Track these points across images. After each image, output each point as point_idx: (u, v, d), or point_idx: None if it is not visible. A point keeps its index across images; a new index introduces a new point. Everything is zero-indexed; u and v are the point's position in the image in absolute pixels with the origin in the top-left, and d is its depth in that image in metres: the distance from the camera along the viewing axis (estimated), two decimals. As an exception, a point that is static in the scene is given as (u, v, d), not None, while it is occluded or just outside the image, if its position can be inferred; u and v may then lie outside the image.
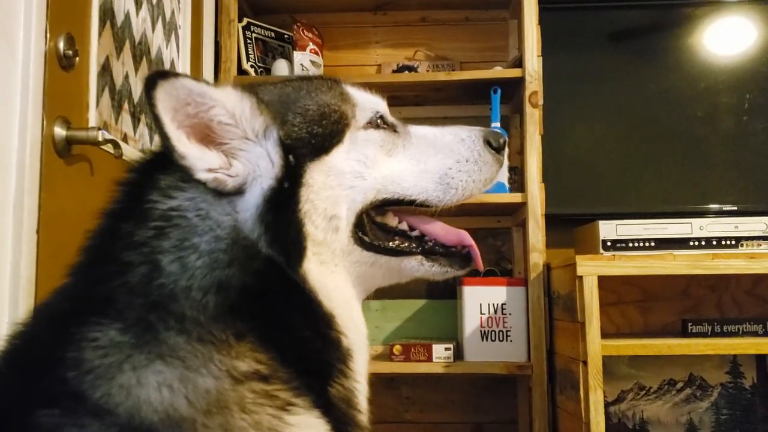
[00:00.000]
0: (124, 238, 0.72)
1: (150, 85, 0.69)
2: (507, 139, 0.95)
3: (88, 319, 0.67)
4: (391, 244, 0.88)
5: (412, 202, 0.88)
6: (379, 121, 0.88)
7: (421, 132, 0.93)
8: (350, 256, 0.83)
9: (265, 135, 0.77)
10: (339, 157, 0.82)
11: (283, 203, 0.76)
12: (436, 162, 0.90)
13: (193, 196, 0.74)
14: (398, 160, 0.88)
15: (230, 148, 0.76)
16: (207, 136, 0.75)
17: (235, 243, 0.73)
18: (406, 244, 0.90)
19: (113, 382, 0.63)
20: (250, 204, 0.75)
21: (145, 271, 0.70)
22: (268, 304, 0.73)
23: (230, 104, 0.75)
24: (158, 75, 0.70)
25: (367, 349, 0.84)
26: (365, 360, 0.83)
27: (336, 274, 0.82)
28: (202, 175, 0.73)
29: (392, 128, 0.90)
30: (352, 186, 0.82)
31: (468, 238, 0.93)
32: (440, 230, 0.92)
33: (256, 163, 0.77)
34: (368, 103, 0.89)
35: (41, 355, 0.67)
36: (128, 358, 0.65)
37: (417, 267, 0.90)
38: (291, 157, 0.78)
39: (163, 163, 0.76)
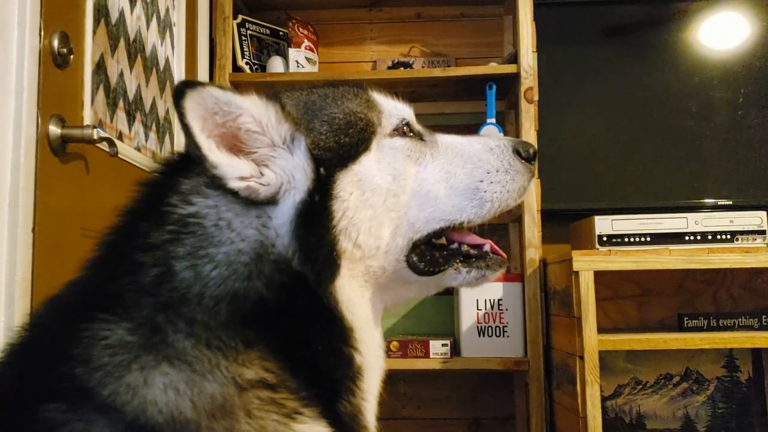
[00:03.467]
0: (139, 237, 0.72)
1: (179, 95, 0.69)
2: (536, 149, 0.92)
3: (96, 316, 0.67)
4: (440, 260, 0.85)
5: (454, 227, 0.85)
6: (405, 128, 0.86)
7: (448, 141, 0.91)
8: (390, 275, 0.82)
9: (293, 143, 0.77)
10: (368, 165, 0.80)
11: (315, 218, 0.75)
12: (465, 174, 0.87)
13: (215, 204, 0.73)
14: (427, 171, 0.85)
15: (259, 156, 0.76)
16: (235, 145, 0.75)
17: (261, 257, 0.73)
18: (445, 255, 0.87)
19: (121, 381, 0.64)
20: (284, 216, 0.74)
21: (157, 273, 0.70)
22: (284, 318, 0.73)
23: (256, 112, 0.75)
24: (186, 85, 0.70)
25: (382, 366, 0.82)
26: (378, 378, 0.81)
27: (365, 289, 0.81)
28: (234, 184, 0.73)
29: (419, 136, 0.88)
30: (394, 207, 0.80)
31: (489, 241, 0.91)
32: (468, 235, 0.89)
33: (291, 174, 0.76)
34: (394, 110, 0.87)
35: (50, 350, 0.67)
36: (136, 358, 0.65)
37: (455, 276, 0.86)
38: (321, 169, 0.76)
39: (187, 165, 0.75)
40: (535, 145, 0.97)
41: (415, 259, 0.83)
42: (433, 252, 0.85)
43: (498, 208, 0.87)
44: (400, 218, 0.81)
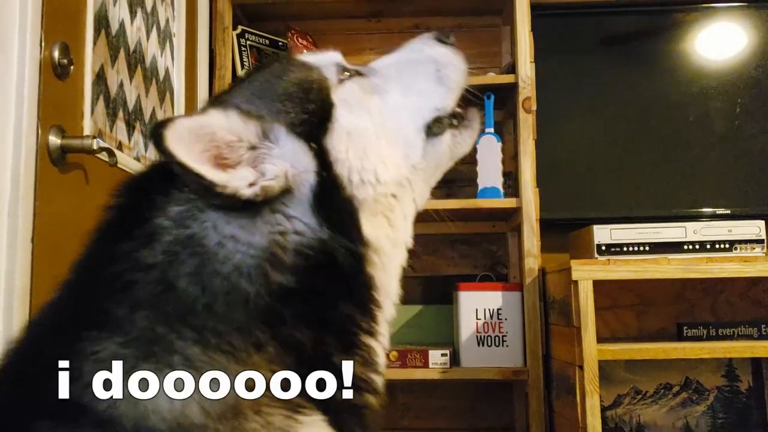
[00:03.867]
0: (124, 259, 0.71)
1: (158, 138, 0.68)
2: (450, 34, 0.98)
3: (83, 334, 0.66)
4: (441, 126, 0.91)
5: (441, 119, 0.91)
6: (345, 72, 0.89)
7: (383, 63, 0.95)
8: (416, 175, 0.87)
9: (271, 134, 0.77)
10: (343, 118, 0.82)
11: (331, 190, 0.78)
12: (423, 75, 0.92)
13: (213, 225, 0.73)
14: (392, 93, 0.90)
15: (249, 161, 0.76)
16: (223, 161, 0.75)
17: (276, 255, 0.73)
18: (442, 123, 0.92)
19: None
20: (303, 202, 0.76)
21: (154, 290, 0.69)
22: (306, 296, 0.73)
23: (224, 123, 0.75)
24: (160, 127, 0.69)
25: (397, 293, 0.87)
26: (392, 304, 0.85)
27: (392, 216, 0.84)
28: (246, 192, 0.73)
29: (359, 73, 0.91)
30: (388, 132, 0.85)
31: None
32: None
33: (290, 159, 0.77)
34: (326, 61, 0.89)
35: (39, 368, 0.66)
36: (132, 369, 0.64)
37: (452, 146, 0.92)
38: (312, 144, 0.78)
39: (164, 178, 0.75)
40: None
41: (427, 132, 0.88)
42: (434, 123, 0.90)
43: (459, 88, 0.93)
44: (400, 132, 0.86)
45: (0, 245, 1.17)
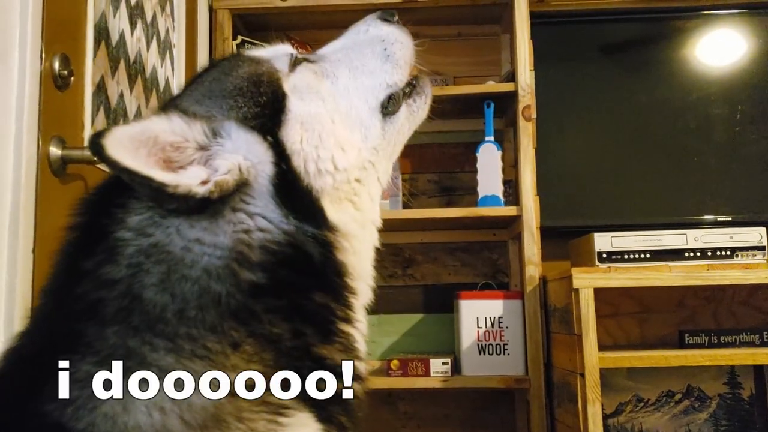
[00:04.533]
0: (89, 277, 0.70)
1: (98, 148, 0.67)
2: (394, 12, 0.99)
3: (57, 359, 0.64)
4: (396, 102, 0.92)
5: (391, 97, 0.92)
6: (295, 60, 0.88)
7: (330, 49, 0.95)
8: (378, 155, 0.88)
9: (220, 131, 0.77)
10: (295, 107, 0.82)
11: (290, 180, 0.78)
12: (371, 56, 0.92)
13: (176, 229, 0.72)
14: (340, 79, 0.90)
15: (200, 159, 0.75)
16: (171, 163, 0.74)
17: (242, 253, 0.73)
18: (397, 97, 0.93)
19: (96, 412, 0.62)
20: (262, 194, 0.76)
21: (121, 305, 0.68)
22: (278, 291, 0.73)
23: (166, 126, 0.74)
24: (98, 137, 0.67)
25: (372, 275, 0.86)
26: (368, 289, 0.85)
27: (357, 199, 0.84)
28: (200, 190, 0.72)
29: (308, 60, 0.91)
30: (347, 115, 0.86)
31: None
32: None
33: (243, 153, 0.76)
34: (277, 52, 0.89)
35: (14, 394, 0.65)
36: (108, 386, 0.63)
37: (409, 118, 0.94)
38: (269, 137, 0.78)
39: (121, 192, 0.74)
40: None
41: (383, 111, 0.89)
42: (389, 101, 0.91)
43: (407, 66, 0.94)
44: (354, 114, 0.87)
45: (1, 256, 1.17)
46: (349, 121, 0.86)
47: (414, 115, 0.95)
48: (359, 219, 0.84)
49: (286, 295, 0.74)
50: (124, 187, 0.73)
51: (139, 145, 0.70)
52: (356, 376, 0.77)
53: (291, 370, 0.70)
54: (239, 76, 0.82)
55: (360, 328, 0.80)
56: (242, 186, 0.75)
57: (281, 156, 0.78)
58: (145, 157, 0.70)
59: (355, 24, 0.99)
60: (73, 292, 0.70)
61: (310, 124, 0.82)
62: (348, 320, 0.78)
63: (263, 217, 0.75)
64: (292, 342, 0.72)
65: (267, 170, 0.77)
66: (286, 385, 0.69)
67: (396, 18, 0.97)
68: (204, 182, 0.73)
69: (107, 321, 0.67)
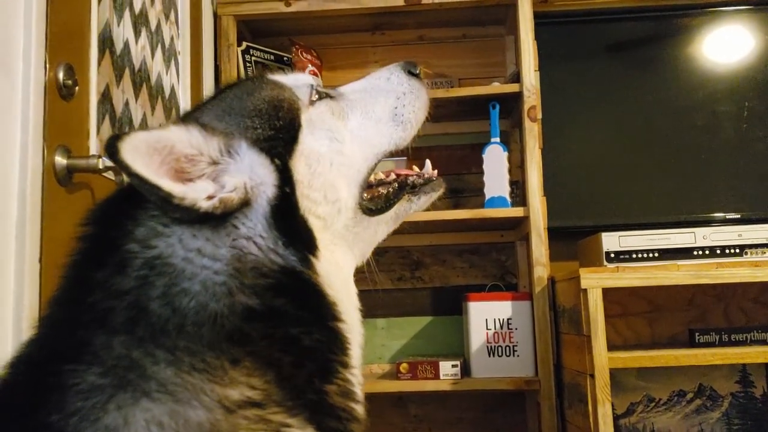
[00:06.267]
0: (100, 288, 0.71)
1: (113, 151, 0.68)
2: (417, 65, 1.01)
3: (62, 368, 0.65)
4: (389, 196, 0.93)
5: (388, 155, 0.94)
6: (316, 94, 0.90)
7: (350, 88, 0.97)
8: (354, 229, 0.88)
9: (233, 149, 0.78)
10: (306, 141, 0.84)
11: (289, 208, 0.79)
12: (382, 107, 0.94)
13: (179, 239, 0.73)
14: (352, 121, 0.92)
15: (210, 174, 0.76)
16: (182, 174, 0.75)
17: (239, 271, 0.73)
18: (391, 190, 0.95)
19: (98, 424, 0.62)
20: (260, 215, 0.77)
21: (129, 316, 0.69)
22: (272, 319, 0.73)
23: (184, 137, 0.75)
24: (115, 140, 0.68)
25: (361, 330, 0.86)
26: (359, 342, 0.84)
27: (336, 254, 0.85)
28: (204, 205, 0.73)
29: (328, 96, 0.93)
30: (340, 164, 0.86)
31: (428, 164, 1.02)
32: (405, 168, 0.99)
33: (249, 174, 0.78)
34: (300, 82, 0.91)
35: (20, 403, 0.65)
36: (111, 398, 0.63)
37: (408, 206, 0.96)
38: (277, 161, 0.79)
39: (130, 203, 0.75)
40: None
41: (366, 203, 0.90)
42: (380, 191, 0.94)
43: (416, 126, 0.96)
44: (349, 170, 0.87)
45: (8, 266, 1.18)
46: (342, 170, 0.87)
47: (409, 210, 0.97)
48: (335, 271, 0.83)
49: (281, 326, 0.74)
50: (135, 198, 0.74)
51: (154, 152, 0.72)
52: (354, 418, 0.77)
53: (293, 390, 0.71)
54: (261, 98, 0.84)
55: (357, 375, 0.80)
56: (244, 205, 0.77)
57: (287, 182, 0.80)
58: (158, 165, 0.72)
59: (381, 69, 1.01)
60: (84, 301, 0.71)
61: (313, 161, 0.84)
62: (346, 366, 0.78)
63: (260, 237, 0.76)
64: (294, 370, 0.72)
65: (268, 192, 0.78)
66: (287, 402, 0.70)
67: (418, 71, 0.99)
68: (210, 197, 0.74)
69: (115, 330, 0.68)
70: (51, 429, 0.62)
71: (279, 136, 0.82)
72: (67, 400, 0.63)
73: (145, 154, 0.71)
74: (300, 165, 0.82)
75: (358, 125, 0.92)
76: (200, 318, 0.70)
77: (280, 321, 0.74)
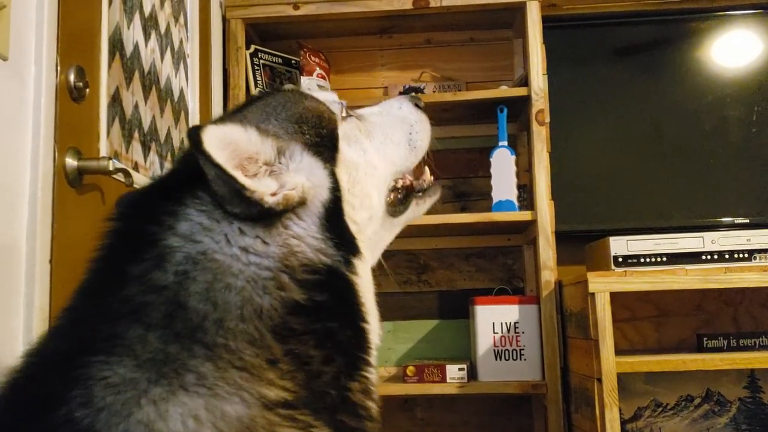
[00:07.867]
0: (135, 281, 0.70)
1: (197, 140, 0.70)
2: (421, 99, 1.10)
3: (91, 360, 0.64)
4: (402, 200, 1.02)
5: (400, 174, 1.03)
6: (346, 111, 0.96)
7: (369, 112, 1.04)
8: (380, 232, 0.96)
9: (287, 151, 0.81)
10: (346, 150, 0.90)
11: (337, 211, 0.82)
12: (399, 133, 1.03)
13: (226, 237, 0.74)
14: (375, 140, 0.99)
15: (262, 173, 0.78)
16: (244, 171, 0.76)
17: (288, 267, 0.75)
18: (401, 196, 1.02)
19: (131, 419, 0.61)
20: (313, 215, 0.80)
21: (166, 311, 0.68)
22: (315, 314, 0.75)
23: (245, 137, 0.77)
24: (198, 129, 0.70)
25: (379, 331, 0.89)
26: (377, 344, 0.86)
27: (367, 258, 0.89)
28: (269, 200, 0.75)
29: (356, 116, 0.99)
30: (372, 174, 0.93)
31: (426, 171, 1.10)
32: (408, 176, 1.07)
33: (306, 175, 0.81)
34: (333, 98, 0.96)
35: (43, 397, 0.63)
36: (145, 393, 0.62)
37: (417, 210, 1.05)
38: (327, 165, 0.83)
39: (165, 199, 0.76)
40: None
41: (391, 207, 0.99)
42: (398, 196, 1.02)
43: (424, 150, 1.05)
44: (378, 181, 0.94)
45: (19, 267, 1.19)
46: (374, 180, 0.93)
47: (414, 212, 1.05)
48: (364, 273, 0.87)
49: (321, 321, 0.75)
50: (170, 195, 0.76)
51: (225, 146, 0.73)
52: (371, 417, 0.78)
53: (318, 393, 0.72)
54: (306, 107, 0.88)
55: (375, 375, 0.82)
56: (300, 205, 0.79)
57: (337, 186, 0.84)
58: (230, 158, 0.74)
59: (392, 99, 1.10)
60: (118, 294, 0.70)
61: (352, 169, 0.89)
62: (368, 364, 0.80)
63: (311, 236, 0.79)
64: (323, 367, 0.73)
65: (323, 195, 0.82)
66: (314, 404, 0.70)
67: (422, 104, 1.09)
68: (273, 194, 0.76)
69: (152, 324, 0.67)
70: (77, 425, 0.60)
71: (324, 144, 0.85)
72: (95, 394, 0.62)
73: (220, 147, 0.72)
74: (342, 173, 0.86)
75: (382, 144, 0.99)
76: (244, 313, 0.70)
77: (322, 316, 0.75)
